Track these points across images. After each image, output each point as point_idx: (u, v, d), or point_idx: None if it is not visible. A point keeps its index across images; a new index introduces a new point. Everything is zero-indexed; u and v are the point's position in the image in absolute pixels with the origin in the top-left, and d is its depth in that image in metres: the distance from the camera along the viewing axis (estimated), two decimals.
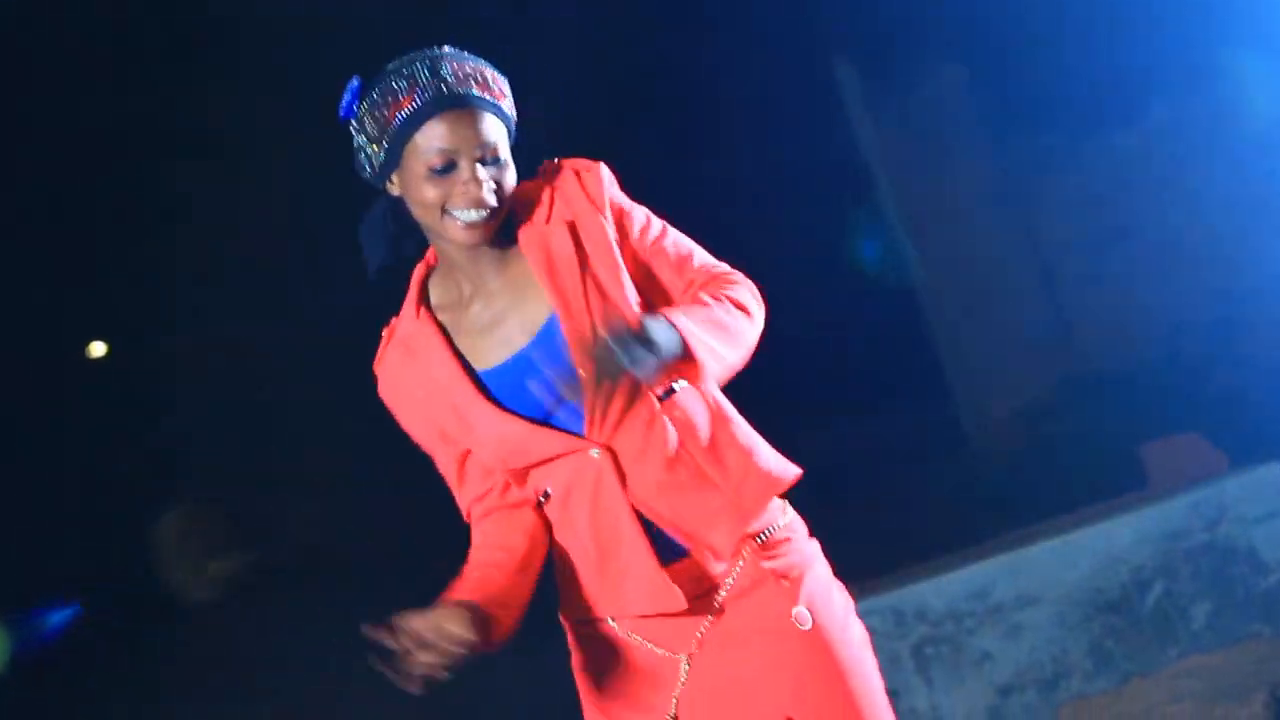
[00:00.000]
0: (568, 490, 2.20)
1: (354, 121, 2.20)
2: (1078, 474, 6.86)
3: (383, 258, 2.28)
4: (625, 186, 2.34)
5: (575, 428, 2.18)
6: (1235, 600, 4.34)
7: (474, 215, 2.15)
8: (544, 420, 2.19)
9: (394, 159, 2.17)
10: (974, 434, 9.56)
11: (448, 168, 2.14)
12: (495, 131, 2.16)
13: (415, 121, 2.14)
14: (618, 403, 2.14)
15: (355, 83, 2.19)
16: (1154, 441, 5.20)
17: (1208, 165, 8.70)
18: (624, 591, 2.19)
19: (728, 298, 2.22)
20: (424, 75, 2.14)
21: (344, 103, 2.20)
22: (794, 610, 2.21)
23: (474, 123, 2.14)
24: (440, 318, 2.26)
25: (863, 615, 4.11)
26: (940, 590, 4.30)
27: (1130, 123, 9.00)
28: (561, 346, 2.16)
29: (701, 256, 2.29)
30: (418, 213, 2.19)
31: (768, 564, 2.22)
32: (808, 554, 2.27)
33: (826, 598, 2.25)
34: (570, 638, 2.31)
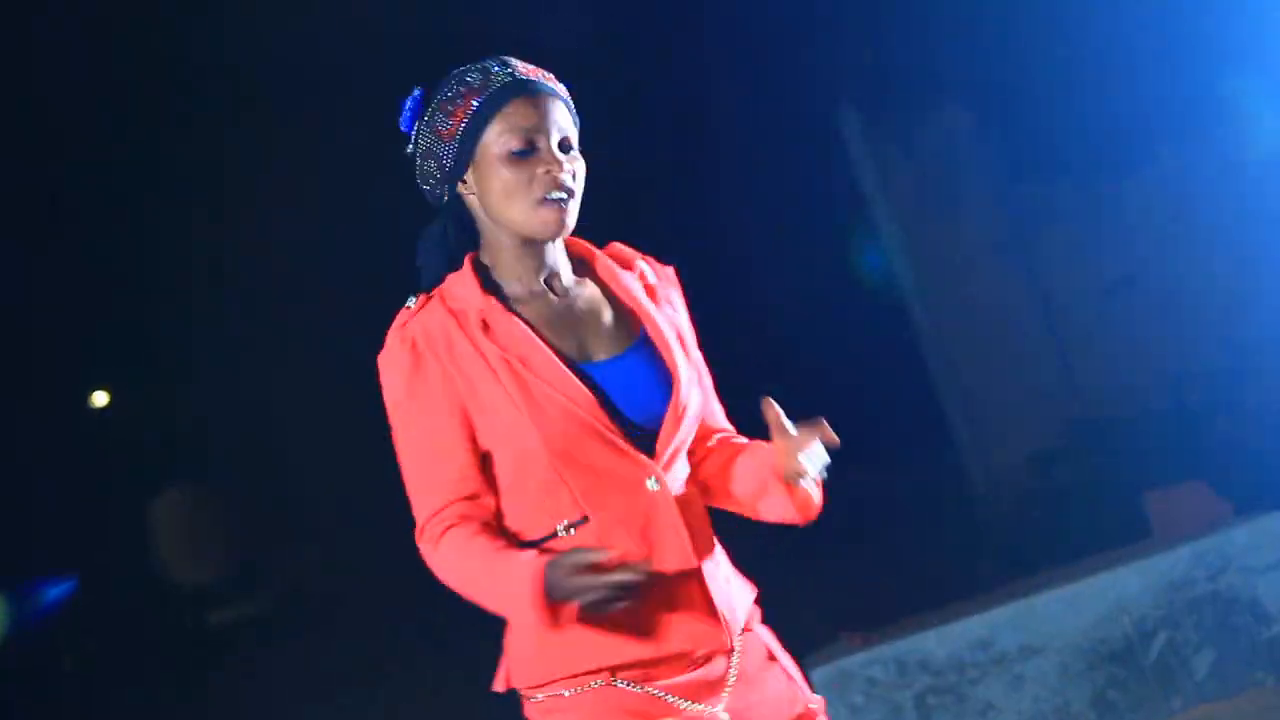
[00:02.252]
0: (617, 513, 2.08)
1: (420, 127, 2.18)
2: (1081, 523, 6.85)
3: (441, 268, 2.19)
4: (644, 239, 2.37)
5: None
6: (1239, 650, 4.33)
7: (558, 194, 2.12)
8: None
9: (467, 152, 2.14)
10: (977, 484, 9.54)
11: (528, 150, 2.12)
12: (569, 121, 2.16)
13: (494, 104, 2.12)
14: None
15: (418, 92, 2.19)
16: (1158, 491, 5.18)
17: (1213, 213, 8.72)
18: (670, 628, 2.08)
19: None
20: (496, 68, 2.15)
21: (405, 112, 2.19)
22: (805, 691, 2.20)
23: (553, 108, 2.14)
24: (511, 305, 2.16)
25: (865, 665, 4.12)
26: (943, 640, 4.29)
27: (1135, 171, 9.03)
28: (643, 374, 2.14)
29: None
30: (496, 204, 2.14)
31: (759, 635, 2.22)
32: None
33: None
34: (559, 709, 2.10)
